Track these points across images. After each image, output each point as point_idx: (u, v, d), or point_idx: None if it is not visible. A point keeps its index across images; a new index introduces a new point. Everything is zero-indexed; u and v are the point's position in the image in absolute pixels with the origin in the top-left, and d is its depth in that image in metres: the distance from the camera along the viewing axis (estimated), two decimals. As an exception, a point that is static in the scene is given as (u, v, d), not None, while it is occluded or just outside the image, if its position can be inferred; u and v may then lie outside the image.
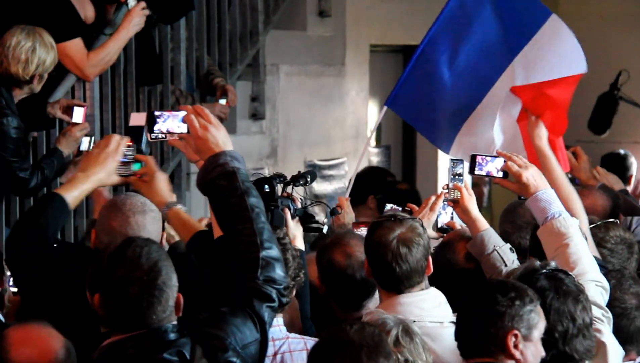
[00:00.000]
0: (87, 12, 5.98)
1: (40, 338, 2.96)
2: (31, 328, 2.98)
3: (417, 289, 3.90)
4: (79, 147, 5.71)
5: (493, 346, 3.33)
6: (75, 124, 5.60)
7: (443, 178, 9.56)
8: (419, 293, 3.89)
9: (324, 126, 8.58)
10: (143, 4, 5.94)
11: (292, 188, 4.47)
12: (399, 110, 5.75)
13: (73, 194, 4.04)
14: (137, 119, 4.66)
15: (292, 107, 8.24)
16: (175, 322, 3.11)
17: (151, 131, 3.51)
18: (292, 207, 4.34)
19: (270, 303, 3.26)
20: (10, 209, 5.80)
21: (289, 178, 4.48)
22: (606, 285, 4.00)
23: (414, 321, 3.71)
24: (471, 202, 4.52)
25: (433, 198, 4.90)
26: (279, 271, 3.29)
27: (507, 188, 4.36)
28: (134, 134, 4.23)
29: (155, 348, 3.05)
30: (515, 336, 3.32)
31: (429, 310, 3.85)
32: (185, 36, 7.00)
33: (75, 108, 5.60)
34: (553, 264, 3.73)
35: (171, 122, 3.48)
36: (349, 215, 5.26)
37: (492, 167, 4.35)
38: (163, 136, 3.49)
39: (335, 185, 8.62)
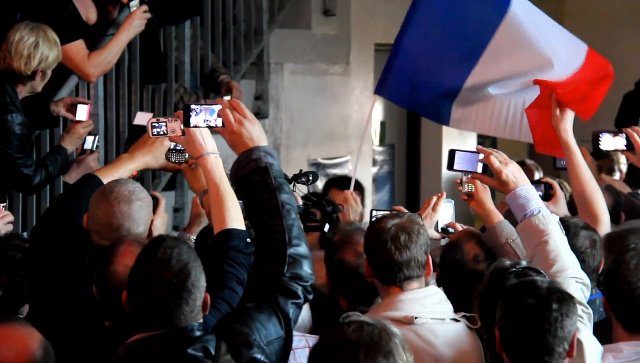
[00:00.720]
0: (90, 14, 5.97)
1: (17, 338, 2.91)
2: (7, 327, 2.93)
3: (416, 285, 3.85)
4: (82, 145, 5.70)
5: (562, 348, 3.36)
6: (79, 121, 5.58)
7: (447, 176, 9.55)
8: (419, 291, 3.84)
9: (328, 125, 8.58)
10: (145, 7, 5.92)
11: (294, 186, 4.44)
12: (390, 96, 5.72)
13: (114, 175, 4.12)
14: (142, 118, 4.66)
15: (296, 106, 8.24)
16: (201, 320, 3.12)
17: (187, 124, 3.51)
18: None
19: (295, 299, 3.26)
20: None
21: (290, 176, 4.46)
22: (587, 281, 3.99)
23: (416, 317, 3.73)
24: (485, 195, 4.50)
25: (435, 198, 4.88)
26: (305, 269, 3.29)
27: (486, 184, 4.34)
28: (137, 133, 4.21)
29: (180, 346, 3.05)
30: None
31: (431, 307, 3.82)
32: (190, 35, 7.00)
33: (79, 106, 5.59)
34: (524, 262, 3.72)
35: (205, 115, 3.47)
36: (355, 209, 5.23)
37: (471, 162, 4.32)
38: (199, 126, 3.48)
39: None
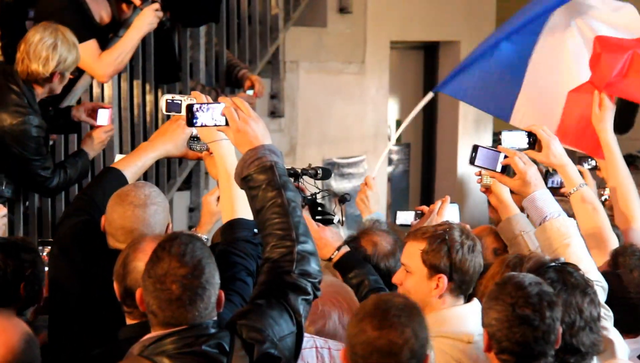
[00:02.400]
0: (103, 13, 5.94)
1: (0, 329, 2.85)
2: None
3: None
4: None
5: (552, 348, 3.39)
6: (101, 126, 5.56)
7: (462, 176, 9.51)
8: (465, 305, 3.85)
9: (343, 124, 8.54)
10: (156, 5, 5.87)
11: (301, 178, 4.47)
12: (450, 91, 5.74)
13: (137, 165, 4.26)
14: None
15: (311, 105, 8.22)
16: (215, 318, 3.13)
17: (191, 124, 3.48)
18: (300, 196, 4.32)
19: (305, 296, 3.27)
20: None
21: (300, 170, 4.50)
22: (605, 284, 3.98)
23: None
24: (503, 187, 4.55)
25: (439, 203, 4.87)
26: (314, 265, 3.31)
27: (504, 184, 4.33)
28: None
29: (195, 343, 3.05)
30: None
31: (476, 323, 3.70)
32: (204, 33, 6.97)
33: (100, 110, 5.57)
34: (562, 259, 3.73)
35: (210, 114, 3.45)
36: (374, 195, 5.26)
37: (493, 161, 4.31)
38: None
39: (354, 183, 8.58)
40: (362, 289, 4.13)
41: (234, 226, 3.60)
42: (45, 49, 5.11)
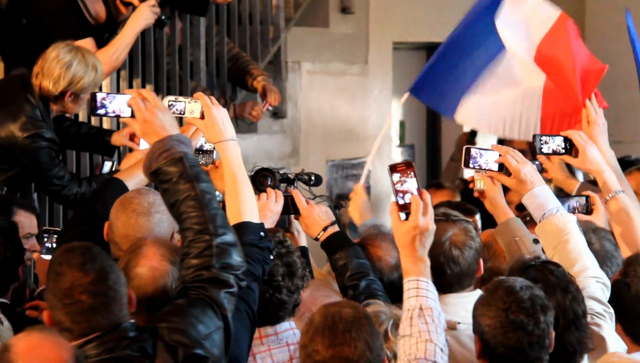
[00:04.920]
0: (100, 12, 5.88)
1: (49, 349, 2.82)
2: (38, 338, 2.84)
3: (464, 291, 3.89)
4: (100, 168, 5.69)
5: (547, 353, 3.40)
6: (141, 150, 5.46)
7: (468, 177, 9.45)
8: (465, 294, 3.87)
9: (346, 125, 8.49)
10: (152, 2, 5.80)
11: (295, 184, 4.42)
12: (421, 96, 5.87)
13: (140, 176, 4.16)
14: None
15: (314, 106, 8.18)
16: (133, 320, 3.09)
17: (94, 113, 3.47)
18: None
19: (229, 289, 3.21)
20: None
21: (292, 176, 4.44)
22: (607, 281, 3.95)
23: (459, 322, 3.72)
24: (497, 192, 4.50)
25: None
26: (235, 257, 3.23)
27: (502, 183, 4.29)
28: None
29: (117, 347, 3.02)
30: None
31: None
32: (205, 32, 6.93)
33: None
34: (543, 257, 3.70)
35: (116, 105, 3.42)
36: (362, 203, 5.25)
37: (486, 160, 4.24)
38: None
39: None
40: (345, 272, 4.11)
41: (239, 229, 3.53)
42: (59, 67, 5.07)
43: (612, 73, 5.24)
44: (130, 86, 6.35)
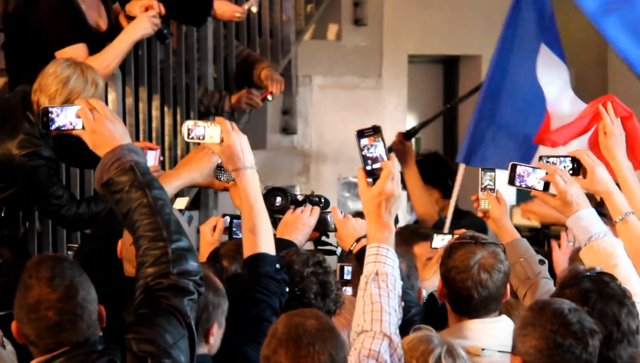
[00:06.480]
0: (100, 21, 5.79)
1: None
2: None
3: (490, 315, 3.89)
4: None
5: None
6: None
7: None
8: (491, 320, 3.88)
9: (359, 142, 8.31)
10: (153, 12, 5.70)
11: (304, 206, 4.39)
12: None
13: None
14: (179, 203, 4.78)
15: (325, 122, 8.13)
16: (101, 334, 3.07)
17: (47, 128, 3.45)
18: None
19: (190, 296, 3.21)
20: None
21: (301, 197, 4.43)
22: None
23: (483, 349, 3.74)
24: (502, 212, 4.49)
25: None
26: (192, 262, 3.24)
27: (547, 203, 4.20)
28: None
29: (86, 360, 3.01)
30: None
31: (500, 339, 3.78)
32: (212, 46, 6.82)
33: (149, 151, 5.44)
34: (598, 268, 3.70)
35: (66, 117, 3.41)
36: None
37: (533, 179, 4.18)
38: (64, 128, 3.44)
39: None
40: None
41: (255, 260, 3.60)
42: (56, 83, 4.96)
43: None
44: (137, 102, 6.27)
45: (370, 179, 3.33)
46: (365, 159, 3.33)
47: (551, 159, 4.35)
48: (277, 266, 3.60)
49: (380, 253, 3.31)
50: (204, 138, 3.66)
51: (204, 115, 6.57)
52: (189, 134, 3.68)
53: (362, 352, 3.19)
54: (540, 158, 4.39)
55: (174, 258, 3.19)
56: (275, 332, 3.07)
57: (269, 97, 6.72)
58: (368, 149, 3.33)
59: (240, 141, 3.64)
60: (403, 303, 3.35)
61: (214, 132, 3.65)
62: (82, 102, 3.38)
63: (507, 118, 5.61)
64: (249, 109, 6.85)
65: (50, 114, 3.41)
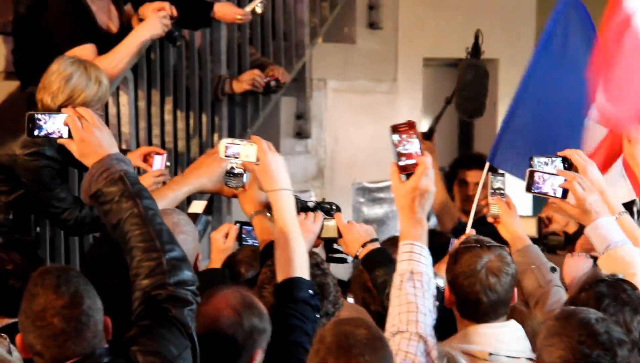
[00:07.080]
0: (111, 24, 5.76)
1: None
2: None
3: (499, 320, 3.85)
4: None
5: None
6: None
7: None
8: (498, 324, 3.84)
9: (374, 146, 8.31)
10: (163, 13, 5.66)
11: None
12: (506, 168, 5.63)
13: (169, 197, 4.19)
14: (196, 206, 4.77)
15: (340, 126, 8.09)
16: (106, 346, 3.05)
17: (32, 135, 3.44)
18: None
19: (189, 306, 3.21)
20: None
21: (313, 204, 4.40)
22: None
23: (490, 354, 3.71)
24: (512, 218, 4.48)
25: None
26: (187, 272, 3.24)
27: (564, 211, 4.17)
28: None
29: None
30: None
31: (508, 344, 3.79)
32: (226, 49, 6.78)
33: (155, 156, 5.48)
34: (621, 275, 3.71)
35: (54, 125, 3.41)
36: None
37: (550, 185, 4.13)
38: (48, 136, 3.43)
39: (386, 208, 8.45)
40: (385, 288, 4.01)
41: (291, 284, 3.58)
42: (59, 80, 4.91)
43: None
44: (149, 105, 6.25)
45: (403, 176, 3.31)
46: (399, 155, 3.32)
47: (542, 159, 4.33)
48: (311, 292, 3.60)
49: (414, 251, 3.29)
50: (240, 157, 3.70)
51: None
52: (225, 152, 3.70)
53: (399, 354, 3.17)
54: (531, 158, 4.35)
55: (169, 269, 3.19)
56: (323, 339, 3.01)
57: (273, 82, 6.69)
58: (402, 144, 3.32)
59: (277, 162, 3.66)
60: (437, 303, 3.32)
61: (250, 151, 3.67)
62: (70, 110, 3.37)
63: (540, 127, 5.45)
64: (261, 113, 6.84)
65: (37, 121, 3.41)
